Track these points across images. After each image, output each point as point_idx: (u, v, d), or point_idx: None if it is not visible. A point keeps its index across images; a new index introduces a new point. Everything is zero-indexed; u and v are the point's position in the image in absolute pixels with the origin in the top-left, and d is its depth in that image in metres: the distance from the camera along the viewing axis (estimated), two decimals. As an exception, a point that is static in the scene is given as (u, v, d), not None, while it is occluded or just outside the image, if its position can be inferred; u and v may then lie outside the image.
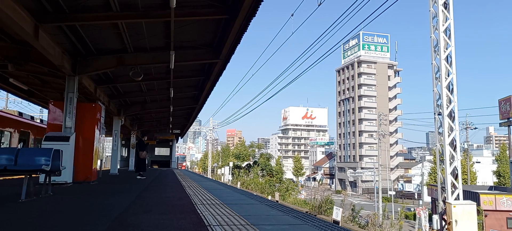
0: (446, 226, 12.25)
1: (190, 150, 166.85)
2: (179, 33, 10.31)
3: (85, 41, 10.40)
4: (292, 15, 11.45)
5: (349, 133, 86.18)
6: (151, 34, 10.33)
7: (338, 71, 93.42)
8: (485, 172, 56.98)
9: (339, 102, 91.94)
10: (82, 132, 11.35)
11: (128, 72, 12.11)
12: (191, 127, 50.25)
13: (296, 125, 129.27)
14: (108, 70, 12.55)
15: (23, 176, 6.73)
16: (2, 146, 15.68)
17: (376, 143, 64.31)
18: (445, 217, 12.52)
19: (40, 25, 8.31)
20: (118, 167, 22.61)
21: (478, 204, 21.44)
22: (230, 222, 4.34)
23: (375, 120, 68.14)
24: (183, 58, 11.61)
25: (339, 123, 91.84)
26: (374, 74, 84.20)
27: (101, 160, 16.04)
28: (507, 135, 32.46)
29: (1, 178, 13.04)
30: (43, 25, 8.44)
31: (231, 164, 52.83)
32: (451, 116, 12.73)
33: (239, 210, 5.43)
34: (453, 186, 12.27)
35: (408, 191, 64.54)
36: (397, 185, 72.13)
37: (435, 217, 22.71)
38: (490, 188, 31.10)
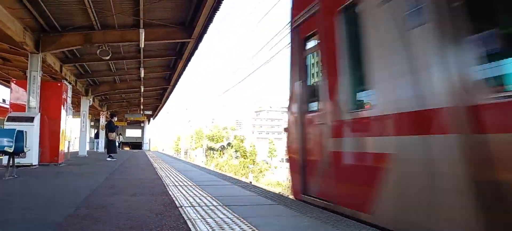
0: None
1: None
2: (150, 10, 10.00)
3: (48, 17, 9.88)
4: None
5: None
6: (120, 11, 9.95)
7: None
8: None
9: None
10: (47, 112, 10.91)
11: (96, 50, 11.68)
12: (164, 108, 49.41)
13: (271, 107, 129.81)
14: (74, 48, 12.06)
15: (-17, 158, 6.41)
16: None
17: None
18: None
19: (-3, -2, 7.82)
20: (87, 148, 22.02)
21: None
22: (202, 203, 4.32)
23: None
24: (153, 37, 11.30)
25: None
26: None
27: (69, 142, 15.53)
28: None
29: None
30: (1, -2, 7.93)
31: (204, 146, 52.62)
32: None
33: (212, 191, 5.42)
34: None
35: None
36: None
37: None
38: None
